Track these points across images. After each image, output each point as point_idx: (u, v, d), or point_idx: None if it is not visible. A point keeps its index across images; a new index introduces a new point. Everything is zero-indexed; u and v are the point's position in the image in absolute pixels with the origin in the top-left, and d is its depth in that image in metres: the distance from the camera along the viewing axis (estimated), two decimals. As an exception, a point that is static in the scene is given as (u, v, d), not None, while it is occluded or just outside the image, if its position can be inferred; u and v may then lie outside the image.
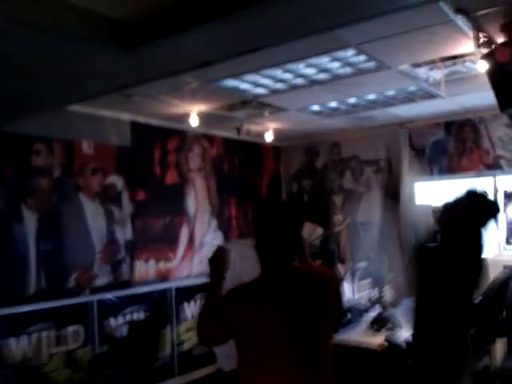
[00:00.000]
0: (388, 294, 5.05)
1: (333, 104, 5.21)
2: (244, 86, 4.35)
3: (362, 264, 5.07)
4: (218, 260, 2.11)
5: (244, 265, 2.45)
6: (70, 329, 4.56)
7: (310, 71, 4.05)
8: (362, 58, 3.75)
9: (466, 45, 3.47)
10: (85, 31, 2.45)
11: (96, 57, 2.74)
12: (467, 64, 3.93)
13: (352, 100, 5.07)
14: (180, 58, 2.82)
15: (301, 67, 3.93)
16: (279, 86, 4.40)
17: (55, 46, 2.63)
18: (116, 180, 5.09)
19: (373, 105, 5.26)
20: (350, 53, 3.64)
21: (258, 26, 2.35)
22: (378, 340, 3.99)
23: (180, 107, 4.92)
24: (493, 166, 5.74)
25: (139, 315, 5.13)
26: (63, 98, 3.58)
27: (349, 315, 4.28)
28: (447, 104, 5.30)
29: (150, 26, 2.52)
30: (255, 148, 6.86)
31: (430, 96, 4.93)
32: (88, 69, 2.88)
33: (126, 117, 5.17)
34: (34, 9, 2.26)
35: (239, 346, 1.92)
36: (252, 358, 1.89)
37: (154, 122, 5.41)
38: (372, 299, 4.81)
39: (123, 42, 2.56)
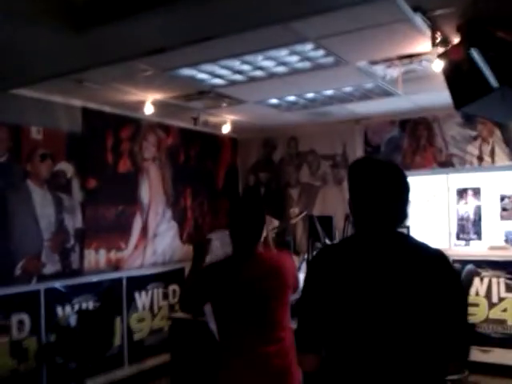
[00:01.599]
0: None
1: (291, 98, 5.20)
2: (201, 75, 4.27)
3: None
4: (201, 246, 2.59)
5: (223, 249, 3.19)
6: (15, 318, 4.41)
7: (269, 64, 4.01)
8: (321, 52, 3.74)
9: (423, 44, 3.50)
10: (31, 10, 2.33)
11: (44, 38, 2.62)
12: (424, 63, 3.98)
13: (310, 95, 5.07)
14: (132, 43, 2.73)
15: (259, 59, 3.88)
16: (237, 77, 4.34)
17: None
18: (66, 167, 4.92)
19: (330, 100, 5.28)
20: (308, 47, 3.62)
21: (209, 13, 2.30)
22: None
23: (134, 95, 4.80)
24: (446, 164, 5.87)
25: (89, 305, 5.02)
26: (9, 81, 3.41)
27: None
28: (403, 102, 5.37)
29: (101, 8, 2.43)
30: (212, 139, 6.79)
31: (387, 94, 4.98)
32: (35, 51, 2.76)
33: (78, 103, 5.00)
34: None
35: (213, 307, 2.45)
36: (220, 317, 2.44)
37: (107, 109, 5.27)
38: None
39: (73, 23, 2.45)
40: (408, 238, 1.77)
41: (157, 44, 2.70)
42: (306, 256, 4.87)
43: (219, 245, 3.43)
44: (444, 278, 1.65)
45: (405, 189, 1.73)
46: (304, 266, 4.87)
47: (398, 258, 1.66)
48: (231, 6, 2.22)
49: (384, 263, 1.64)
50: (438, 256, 1.69)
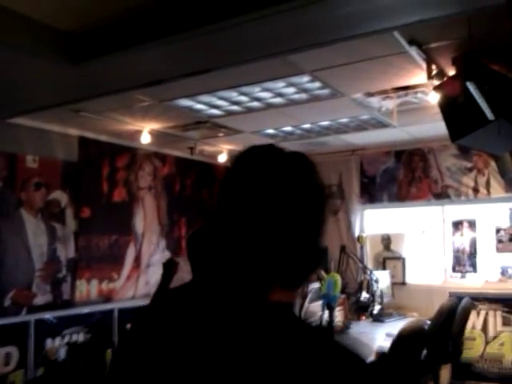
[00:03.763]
0: (339, 317, 5.03)
1: (287, 128, 5.22)
2: (198, 106, 4.29)
3: (314, 285, 5.03)
4: (170, 267, 2.75)
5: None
6: (3, 351, 4.29)
7: (266, 95, 4.03)
8: (317, 84, 3.76)
9: (419, 76, 3.53)
10: (28, 41, 2.34)
11: (41, 69, 2.62)
12: (419, 95, 4.02)
13: (306, 125, 5.10)
14: (129, 75, 2.73)
15: (256, 90, 3.91)
16: (234, 108, 4.36)
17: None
18: (60, 196, 4.88)
19: (326, 131, 5.30)
20: (305, 79, 3.64)
21: (207, 46, 2.31)
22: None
23: (131, 125, 4.80)
24: (441, 196, 5.87)
25: (79, 337, 4.90)
26: (6, 111, 3.41)
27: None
28: (398, 133, 5.40)
29: (98, 39, 2.43)
30: (208, 168, 6.78)
31: (382, 125, 5.01)
32: (32, 81, 2.76)
33: (74, 132, 5.00)
34: None
35: None
36: None
37: (103, 138, 5.26)
38: (321, 323, 4.76)
39: (70, 54, 2.45)
40: (287, 324, 0.92)
41: (155, 76, 2.71)
42: (301, 288, 4.79)
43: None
44: None
45: (309, 206, 0.98)
46: (299, 298, 4.82)
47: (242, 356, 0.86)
48: (229, 39, 2.23)
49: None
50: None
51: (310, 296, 4.74)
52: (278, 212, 0.93)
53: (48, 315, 4.65)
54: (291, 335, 0.88)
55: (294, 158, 1.03)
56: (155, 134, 5.06)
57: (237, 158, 1.03)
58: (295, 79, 3.66)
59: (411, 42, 2.93)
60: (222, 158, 6.22)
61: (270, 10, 1.95)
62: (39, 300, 4.64)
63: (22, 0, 2.24)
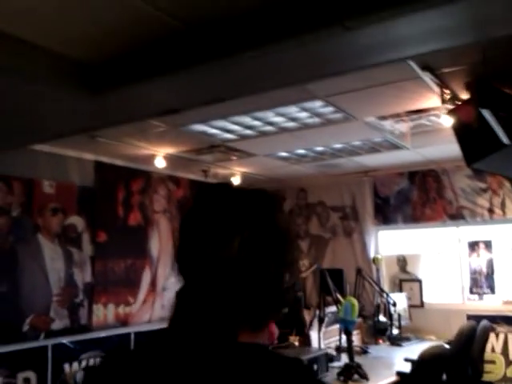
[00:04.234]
0: (356, 341, 4.99)
1: (300, 151, 5.25)
2: (212, 131, 4.34)
3: (331, 309, 5.00)
4: None
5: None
6: (21, 376, 4.31)
7: (279, 119, 4.07)
8: (330, 109, 3.80)
9: (432, 99, 3.55)
10: (46, 72, 2.40)
11: (58, 98, 2.68)
12: (432, 118, 4.03)
13: (319, 148, 5.12)
14: (146, 105, 2.78)
15: (269, 115, 3.95)
16: (248, 132, 4.41)
17: (15, 85, 2.57)
18: (77, 221, 4.94)
19: (339, 153, 5.32)
20: (318, 104, 3.68)
21: (222, 77, 2.34)
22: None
23: (146, 149, 4.87)
24: (456, 217, 5.83)
25: (97, 361, 4.91)
26: (23, 139, 3.48)
27: (315, 366, 4.17)
28: (411, 155, 5.40)
29: (115, 70, 2.48)
30: (222, 191, 6.81)
31: (395, 147, 5.02)
32: (50, 110, 2.82)
33: (90, 157, 5.08)
34: None
35: None
36: None
37: (118, 162, 5.33)
38: (340, 347, 4.73)
39: (88, 85, 2.51)
40: (257, 362, 0.90)
41: (171, 105, 2.75)
42: (317, 312, 4.76)
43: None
44: None
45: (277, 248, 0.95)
46: (316, 322, 4.79)
47: None
48: (244, 70, 2.27)
49: None
50: None
51: (326, 320, 4.72)
52: (237, 256, 0.91)
53: (65, 340, 4.67)
54: (261, 372, 0.88)
55: (256, 198, 0.99)
56: (169, 158, 5.11)
57: (195, 199, 1.00)
58: (308, 104, 3.70)
59: (424, 68, 2.96)
60: (236, 181, 6.26)
61: (286, 43, 1.99)
62: (57, 325, 4.67)
63: (40, 32, 2.29)
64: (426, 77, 3.09)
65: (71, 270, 4.86)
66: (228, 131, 4.37)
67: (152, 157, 5.04)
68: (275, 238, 0.95)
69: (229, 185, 1.03)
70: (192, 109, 2.91)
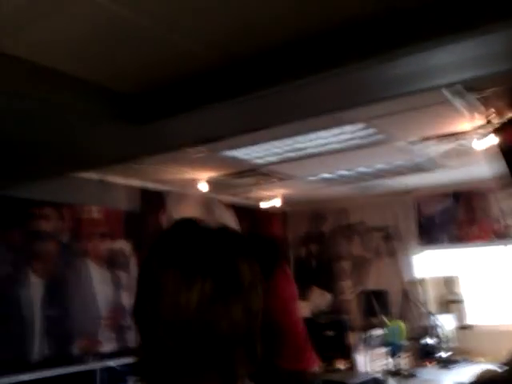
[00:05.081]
0: (405, 363, 4.90)
1: (342, 172, 5.25)
2: (253, 154, 4.40)
3: (377, 332, 4.94)
4: None
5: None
6: (72, 398, 4.41)
7: (319, 142, 4.09)
8: (371, 131, 3.80)
9: (476, 120, 3.51)
10: (90, 106, 2.50)
11: (103, 130, 2.78)
12: (476, 138, 3.97)
13: (361, 169, 5.11)
14: (189, 134, 2.86)
15: (310, 139, 3.98)
16: (288, 155, 4.44)
17: (61, 117, 2.68)
18: (124, 245, 5.07)
19: (381, 173, 5.29)
20: (359, 127, 3.69)
21: (263, 106, 2.39)
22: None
23: (188, 174, 4.97)
24: (503, 235, 5.69)
25: None
26: (68, 167, 3.62)
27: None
28: (456, 174, 5.32)
29: (155, 101, 2.57)
30: (262, 213, 6.86)
31: (439, 166, 4.96)
32: (93, 141, 2.93)
33: (136, 183, 5.22)
34: (39, 84, 2.32)
35: None
36: None
37: (163, 187, 5.46)
38: (388, 370, 4.65)
39: (128, 116, 2.60)
40: None
41: (213, 134, 2.82)
42: (362, 335, 4.72)
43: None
44: None
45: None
46: (362, 345, 4.75)
47: None
48: (285, 99, 2.31)
49: None
50: None
51: (372, 343, 4.67)
52: (196, 307, 0.86)
53: (113, 363, 4.75)
54: None
55: (220, 240, 0.92)
56: (211, 182, 5.20)
57: (161, 236, 0.97)
58: (349, 127, 3.71)
59: (467, 90, 2.94)
60: (276, 203, 6.30)
61: (326, 73, 2.02)
62: (105, 348, 4.77)
63: (84, 67, 2.40)
64: (470, 97, 3.06)
65: (119, 294, 4.96)
66: (269, 155, 4.42)
67: (194, 181, 5.14)
68: (238, 287, 0.88)
69: (193, 223, 0.95)
70: (231, 137, 2.98)
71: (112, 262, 4.94)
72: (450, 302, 6.10)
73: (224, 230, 0.95)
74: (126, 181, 5.10)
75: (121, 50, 2.22)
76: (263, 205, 6.59)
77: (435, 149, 4.32)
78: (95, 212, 4.87)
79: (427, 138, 4.03)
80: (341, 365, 4.71)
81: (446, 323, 5.42)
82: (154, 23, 1.98)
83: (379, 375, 4.61)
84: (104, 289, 4.84)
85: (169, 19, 1.95)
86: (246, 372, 0.89)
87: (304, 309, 6.29)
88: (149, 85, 2.56)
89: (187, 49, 2.19)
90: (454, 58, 1.89)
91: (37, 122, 2.69)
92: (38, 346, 4.29)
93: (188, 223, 0.96)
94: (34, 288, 4.33)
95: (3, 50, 2.11)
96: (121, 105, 2.66)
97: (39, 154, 3.29)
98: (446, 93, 2.95)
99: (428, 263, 6.27)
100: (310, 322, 5.24)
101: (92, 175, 4.72)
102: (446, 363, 5.19)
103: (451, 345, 5.45)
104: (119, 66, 2.37)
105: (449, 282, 6.20)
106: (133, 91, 2.62)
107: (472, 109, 3.23)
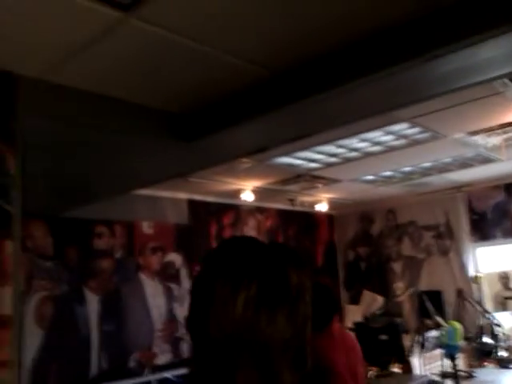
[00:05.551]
0: (460, 365, 4.76)
1: (387, 173, 5.17)
2: (297, 161, 4.40)
3: (432, 333, 4.82)
4: None
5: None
6: (129, 410, 4.50)
7: (363, 145, 4.06)
8: (417, 129, 3.74)
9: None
10: (143, 126, 2.56)
11: (154, 148, 2.85)
12: (526, 129, 3.85)
13: (407, 168, 5.02)
14: (235, 147, 2.89)
15: (354, 142, 3.95)
16: (332, 159, 4.42)
17: (117, 139, 2.76)
18: (175, 257, 5.15)
19: (429, 171, 5.19)
20: (403, 126, 3.64)
21: (310, 114, 2.39)
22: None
23: (235, 184, 5.01)
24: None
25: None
26: (124, 186, 3.71)
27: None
28: (507, 166, 5.16)
29: (205, 118, 2.61)
30: (309, 218, 6.84)
31: (489, 160, 4.82)
32: (150, 159, 3.00)
33: (183, 196, 5.30)
34: (92, 112, 2.41)
35: None
36: None
37: (210, 199, 5.53)
38: (445, 372, 4.54)
39: (179, 134, 2.65)
40: None
41: (259, 145, 2.84)
42: (417, 337, 4.61)
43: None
44: None
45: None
46: (417, 347, 4.64)
47: None
48: (329, 108, 2.31)
49: None
50: None
51: (427, 345, 4.56)
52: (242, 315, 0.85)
53: (169, 374, 4.82)
54: None
55: (270, 252, 0.93)
56: (257, 190, 5.23)
57: (213, 250, 0.96)
58: (393, 127, 3.66)
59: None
60: (322, 207, 6.26)
61: (373, 76, 2.01)
62: (160, 359, 4.85)
63: (136, 91, 2.47)
64: (517, 89, 2.98)
65: (172, 305, 5.04)
66: (313, 160, 4.41)
67: (240, 191, 5.18)
68: (285, 294, 0.88)
69: (247, 239, 0.97)
70: (279, 146, 2.99)
71: (164, 275, 5.03)
72: (508, 299, 5.91)
73: (276, 243, 0.97)
74: (173, 194, 5.19)
75: (168, 72, 2.27)
76: (310, 210, 6.57)
77: (483, 142, 4.20)
78: (146, 227, 4.97)
79: (474, 132, 3.93)
80: (396, 368, 4.62)
81: (504, 321, 5.24)
82: (200, 43, 2.01)
83: (436, 377, 4.50)
84: (157, 301, 4.93)
85: (214, 39, 1.99)
86: (293, 380, 0.88)
87: (356, 313, 6.22)
88: (200, 103, 2.61)
89: (236, 65, 2.21)
90: (500, 51, 1.84)
91: (90, 149, 2.78)
92: (96, 361, 4.41)
93: (241, 239, 0.98)
94: (90, 305, 4.45)
95: (59, 81, 2.20)
96: (171, 124, 2.72)
97: (98, 175, 3.39)
98: (496, 85, 2.87)
99: (483, 260, 6.09)
100: (362, 326, 5.18)
101: (142, 191, 4.81)
102: (505, 363, 5.02)
103: (510, 343, 5.27)
104: (171, 88, 2.43)
105: (504, 279, 6.00)
106: (184, 110, 2.68)
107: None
